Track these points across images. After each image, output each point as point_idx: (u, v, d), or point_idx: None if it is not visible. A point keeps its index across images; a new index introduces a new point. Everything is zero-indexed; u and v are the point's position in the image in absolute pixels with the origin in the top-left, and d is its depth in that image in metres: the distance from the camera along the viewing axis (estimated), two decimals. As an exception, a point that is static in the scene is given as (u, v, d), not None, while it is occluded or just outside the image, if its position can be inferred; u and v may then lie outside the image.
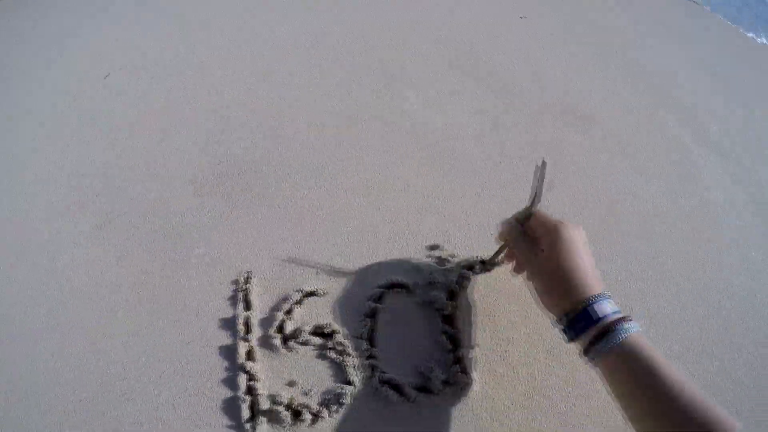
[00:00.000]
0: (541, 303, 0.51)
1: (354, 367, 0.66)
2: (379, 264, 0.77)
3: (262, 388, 0.65)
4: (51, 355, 0.67)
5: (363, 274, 0.76)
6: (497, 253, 0.64)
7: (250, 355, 0.67)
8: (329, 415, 0.63)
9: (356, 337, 0.69)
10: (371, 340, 0.69)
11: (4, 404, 0.63)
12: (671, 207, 0.92)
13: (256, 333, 0.69)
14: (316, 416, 0.63)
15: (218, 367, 0.67)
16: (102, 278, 0.74)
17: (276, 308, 0.71)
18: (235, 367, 0.66)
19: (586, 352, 0.46)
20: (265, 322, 0.70)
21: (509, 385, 0.66)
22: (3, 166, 0.89)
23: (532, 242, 0.51)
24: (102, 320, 0.70)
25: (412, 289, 0.73)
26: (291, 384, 0.66)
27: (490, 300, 0.73)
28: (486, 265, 0.69)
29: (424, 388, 0.66)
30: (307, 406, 0.63)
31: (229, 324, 0.70)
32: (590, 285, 0.45)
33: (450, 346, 0.68)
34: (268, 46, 1.20)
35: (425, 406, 0.65)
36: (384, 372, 0.66)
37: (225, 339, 0.69)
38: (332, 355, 0.67)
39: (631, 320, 0.44)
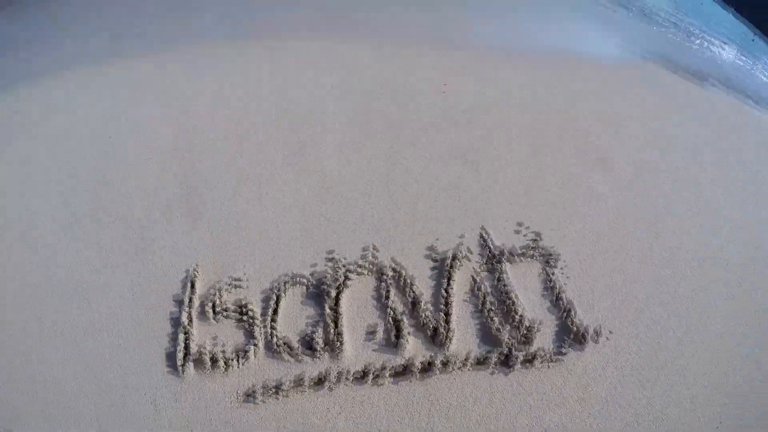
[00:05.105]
0: None
1: (260, 330, 0.95)
2: (290, 261, 1.08)
3: (194, 342, 0.94)
4: (54, 335, 0.97)
5: (276, 269, 1.06)
6: None
7: (189, 321, 0.97)
8: (238, 365, 0.91)
9: (265, 313, 0.98)
10: (275, 314, 0.98)
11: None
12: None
13: (196, 305, 0.99)
14: (227, 364, 0.91)
15: (168, 328, 0.96)
16: (97, 267, 1.06)
17: (212, 289, 1.01)
18: (178, 329, 0.95)
19: None
20: (203, 298, 1.00)
21: (377, 355, 0.94)
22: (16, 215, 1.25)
23: None
24: (87, 297, 1.01)
25: (309, 284, 1.03)
26: (214, 339, 0.94)
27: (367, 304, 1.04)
28: None
29: (309, 348, 0.94)
30: (223, 355, 0.91)
31: (178, 299, 1.00)
32: None
33: (333, 323, 0.97)
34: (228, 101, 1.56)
35: (308, 364, 0.93)
36: (281, 335, 0.95)
37: (175, 309, 0.99)
38: (245, 323, 0.96)
39: None
